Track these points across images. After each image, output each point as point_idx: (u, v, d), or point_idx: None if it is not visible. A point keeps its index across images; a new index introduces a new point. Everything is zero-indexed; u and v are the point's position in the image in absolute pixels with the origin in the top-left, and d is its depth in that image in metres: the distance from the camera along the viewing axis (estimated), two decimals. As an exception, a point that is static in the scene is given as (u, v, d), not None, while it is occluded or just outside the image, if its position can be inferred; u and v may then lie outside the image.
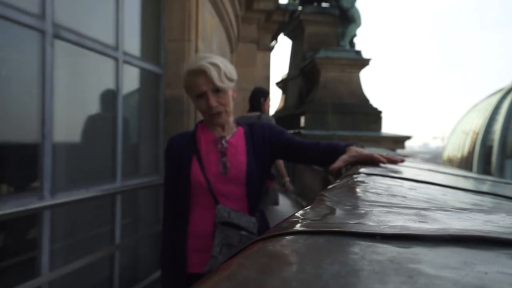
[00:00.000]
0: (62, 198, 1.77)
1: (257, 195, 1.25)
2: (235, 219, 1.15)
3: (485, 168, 19.77)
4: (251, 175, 1.21)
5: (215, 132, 1.26)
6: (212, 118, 1.22)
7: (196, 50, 2.89)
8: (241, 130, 1.30)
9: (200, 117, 1.37)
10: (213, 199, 1.18)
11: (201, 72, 1.17)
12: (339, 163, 1.11)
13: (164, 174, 1.30)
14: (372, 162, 1.12)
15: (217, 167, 1.20)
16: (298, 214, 0.46)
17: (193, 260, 1.22)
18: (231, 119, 1.29)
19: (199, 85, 1.17)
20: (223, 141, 1.24)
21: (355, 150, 1.13)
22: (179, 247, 1.23)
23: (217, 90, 1.18)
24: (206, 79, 1.16)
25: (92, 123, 2.20)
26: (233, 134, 1.27)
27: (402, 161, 1.22)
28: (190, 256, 1.22)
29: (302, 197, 6.32)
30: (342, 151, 1.16)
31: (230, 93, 1.23)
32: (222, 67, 1.19)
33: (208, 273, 0.31)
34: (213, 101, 1.17)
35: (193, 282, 1.27)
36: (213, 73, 1.16)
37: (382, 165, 1.12)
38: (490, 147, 20.36)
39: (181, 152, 1.23)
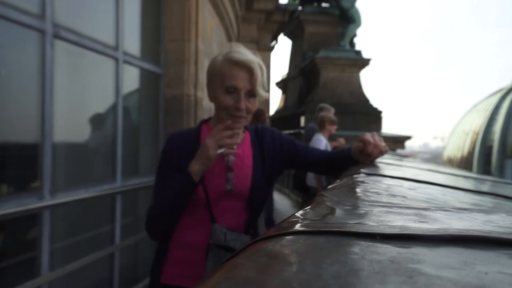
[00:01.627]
0: (62, 198, 1.77)
1: (259, 210, 1.16)
2: (231, 241, 1.04)
3: (485, 168, 19.76)
4: (256, 190, 1.10)
5: None
6: (230, 120, 1.05)
7: (196, 50, 2.89)
8: (247, 137, 1.17)
9: (200, 116, 1.30)
10: (209, 214, 1.07)
11: (247, 69, 1.01)
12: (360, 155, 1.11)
13: (157, 176, 1.12)
14: (364, 143, 1.10)
15: (221, 181, 1.08)
16: (298, 214, 0.46)
17: (172, 270, 1.09)
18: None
19: (238, 79, 1.01)
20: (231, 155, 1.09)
21: (356, 144, 1.14)
22: (159, 255, 1.12)
23: (250, 95, 1.04)
24: (248, 78, 1.02)
25: (92, 123, 2.20)
26: (240, 143, 1.14)
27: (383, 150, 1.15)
28: (169, 265, 1.10)
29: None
30: (347, 153, 1.15)
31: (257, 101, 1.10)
32: (265, 73, 1.07)
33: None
34: (243, 103, 1.02)
35: None
36: (259, 76, 1.02)
37: (382, 165, 1.12)
38: (490, 147, 20.35)
39: (181, 155, 1.08)
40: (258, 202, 1.13)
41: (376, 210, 0.47)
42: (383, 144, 1.13)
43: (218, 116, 1.10)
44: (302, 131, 7.64)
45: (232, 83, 1.02)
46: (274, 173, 1.18)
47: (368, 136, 1.10)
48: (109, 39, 2.26)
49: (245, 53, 1.04)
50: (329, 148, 3.49)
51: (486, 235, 0.35)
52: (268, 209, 4.58)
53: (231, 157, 1.09)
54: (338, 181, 0.79)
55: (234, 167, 1.10)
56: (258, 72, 1.02)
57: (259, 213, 1.17)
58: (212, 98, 1.09)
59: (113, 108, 2.33)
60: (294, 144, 1.21)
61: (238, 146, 1.12)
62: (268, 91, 1.09)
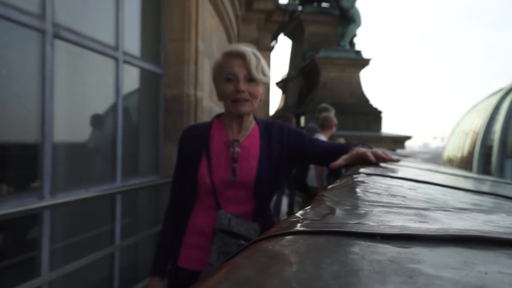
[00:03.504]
0: (62, 198, 1.78)
1: (265, 201, 1.19)
2: (235, 227, 1.09)
3: (485, 168, 19.74)
4: (261, 181, 1.14)
5: (229, 132, 1.19)
6: (235, 105, 1.12)
7: (196, 50, 2.89)
8: (256, 129, 1.22)
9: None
10: (216, 201, 1.14)
11: (240, 56, 1.11)
12: (339, 161, 1.09)
13: (175, 167, 1.24)
14: (365, 159, 1.10)
15: (226, 172, 1.14)
16: (298, 214, 0.46)
17: (186, 254, 1.18)
18: (251, 118, 1.21)
19: (234, 66, 1.10)
20: (236, 146, 1.15)
21: (357, 150, 1.12)
22: (176, 240, 1.20)
23: (250, 80, 1.11)
24: (242, 64, 1.10)
25: (92, 123, 2.20)
26: (248, 135, 1.19)
27: (393, 160, 1.17)
28: (184, 250, 1.19)
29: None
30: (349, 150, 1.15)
31: (261, 88, 1.15)
32: (261, 60, 1.15)
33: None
34: (243, 85, 1.09)
35: (182, 277, 1.16)
36: (252, 61, 1.10)
37: (382, 164, 1.12)
38: (490, 147, 20.34)
39: (192, 146, 1.18)
40: (263, 192, 1.16)
41: (376, 210, 0.47)
42: (388, 157, 1.14)
43: (225, 108, 1.18)
44: (302, 131, 7.64)
45: (229, 70, 1.11)
46: (281, 164, 1.20)
47: (371, 157, 1.10)
48: (109, 39, 2.26)
49: (238, 45, 1.14)
50: None
51: (486, 235, 0.35)
52: (290, 202, 4.70)
53: (236, 149, 1.15)
54: (338, 181, 0.79)
55: (239, 158, 1.15)
56: (251, 57, 1.10)
57: (265, 203, 1.20)
58: (219, 95, 1.17)
59: (113, 108, 2.33)
60: (302, 137, 1.23)
61: (246, 138, 1.18)
62: (266, 75, 1.16)
